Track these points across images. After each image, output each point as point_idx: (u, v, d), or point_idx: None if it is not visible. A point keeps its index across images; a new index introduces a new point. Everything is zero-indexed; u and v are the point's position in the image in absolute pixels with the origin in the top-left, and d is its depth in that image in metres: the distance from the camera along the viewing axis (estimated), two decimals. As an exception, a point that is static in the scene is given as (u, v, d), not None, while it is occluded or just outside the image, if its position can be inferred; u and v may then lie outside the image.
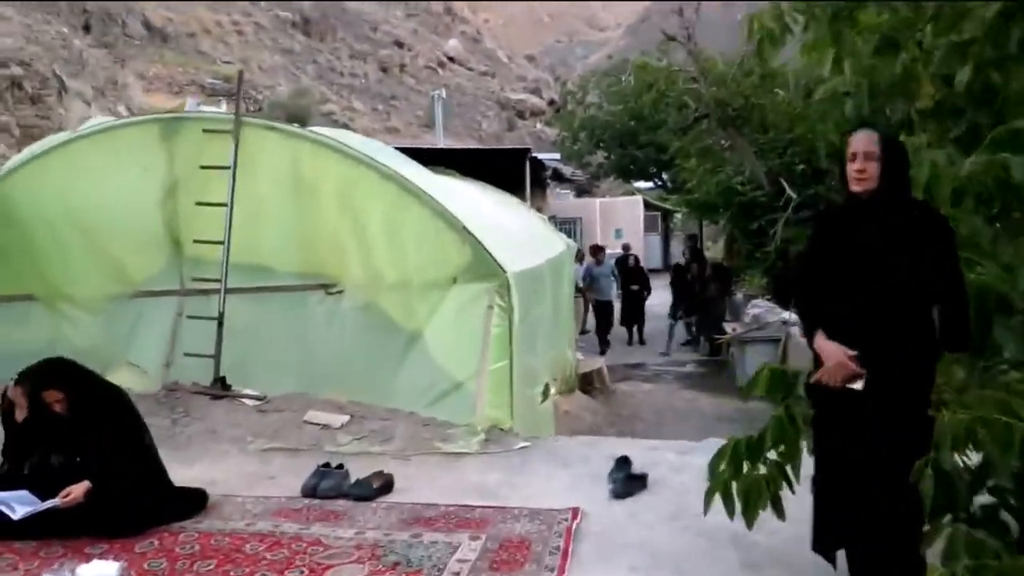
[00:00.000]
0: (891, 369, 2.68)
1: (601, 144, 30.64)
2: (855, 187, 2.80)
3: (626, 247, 17.24)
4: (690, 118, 15.05)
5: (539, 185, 19.74)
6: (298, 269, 5.96)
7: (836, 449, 2.82)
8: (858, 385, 2.71)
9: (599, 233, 24.88)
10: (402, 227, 5.75)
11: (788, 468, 3.06)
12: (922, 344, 2.70)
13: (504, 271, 5.60)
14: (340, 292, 5.85)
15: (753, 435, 3.05)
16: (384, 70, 49.68)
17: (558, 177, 18.76)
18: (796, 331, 10.94)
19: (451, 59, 58.96)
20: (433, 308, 5.61)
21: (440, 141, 18.44)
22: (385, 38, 54.64)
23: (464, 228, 5.65)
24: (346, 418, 5.30)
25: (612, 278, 13.59)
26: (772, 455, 3.08)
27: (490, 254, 5.61)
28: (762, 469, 3.07)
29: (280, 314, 5.93)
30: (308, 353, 5.78)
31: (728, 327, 13.15)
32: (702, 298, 15.05)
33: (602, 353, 12.93)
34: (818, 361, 2.85)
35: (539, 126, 44.65)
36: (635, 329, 15.20)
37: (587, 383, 10.47)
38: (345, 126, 38.10)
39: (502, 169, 13.04)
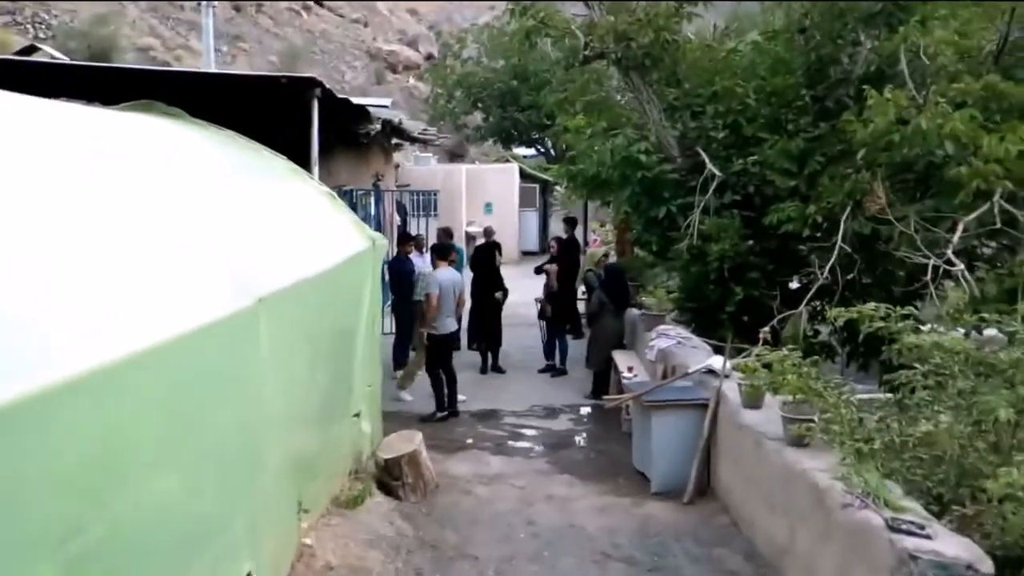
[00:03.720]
0: None
1: (479, 104, 26.59)
2: None
3: (488, 231, 12.71)
4: (580, 57, 10.60)
5: (380, 145, 15.04)
6: None
7: None
8: None
9: (464, 208, 20.35)
10: None
11: None
12: None
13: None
14: None
15: None
16: (237, 9, 44.27)
17: (398, 132, 14.04)
18: (732, 390, 6.67)
19: (320, 3, 53.48)
20: None
21: (210, 65, 13.16)
22: (245, -28, 49.39)
23: None
24: None
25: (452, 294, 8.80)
26: None
27: None
28: None
29: None
30: None
31: (623, 364, 8.89)
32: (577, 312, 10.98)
33: (432, 419, 8.33)
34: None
35: (412, 81, 39.56)
36: (490, 352, 10.86)
37: (392, 476, 6.20)
38: (166, 64, 32.18)
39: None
